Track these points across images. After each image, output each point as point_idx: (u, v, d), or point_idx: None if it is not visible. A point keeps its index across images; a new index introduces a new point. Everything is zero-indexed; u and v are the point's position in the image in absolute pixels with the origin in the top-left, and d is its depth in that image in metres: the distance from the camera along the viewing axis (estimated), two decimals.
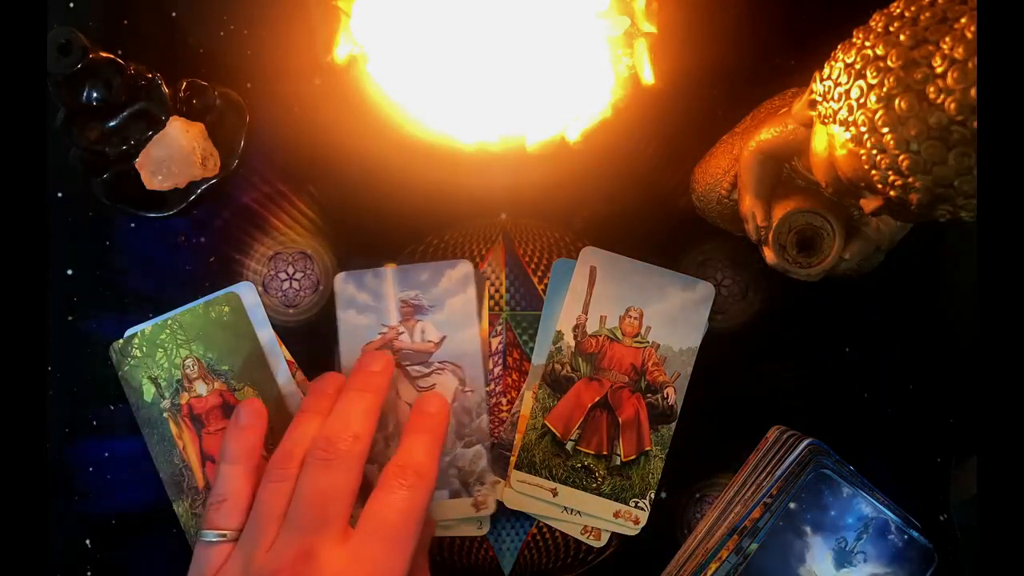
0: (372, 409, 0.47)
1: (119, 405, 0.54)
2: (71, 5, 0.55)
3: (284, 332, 0.55)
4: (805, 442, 0.52)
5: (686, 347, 0.55)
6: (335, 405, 0.47)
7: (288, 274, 0.56)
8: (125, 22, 0.55)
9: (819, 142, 0.40)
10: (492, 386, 0.55)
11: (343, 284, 0.55)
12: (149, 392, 0.46)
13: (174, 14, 0.55)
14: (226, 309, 0.45)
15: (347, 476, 0.44)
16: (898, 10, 0.35)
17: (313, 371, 0.56)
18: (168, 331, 0.45)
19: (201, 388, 0.46)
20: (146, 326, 0.46)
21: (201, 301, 0.46)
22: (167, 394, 0.46)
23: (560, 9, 0.47)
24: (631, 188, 0.56)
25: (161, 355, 0.46)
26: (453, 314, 0.55)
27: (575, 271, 0.55)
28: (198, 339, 0.46)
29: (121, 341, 0.45)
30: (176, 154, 0.52)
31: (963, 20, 0.33)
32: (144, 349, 0.46)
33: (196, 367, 0.46)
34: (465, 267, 0.55)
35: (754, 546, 0.51)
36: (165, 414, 0.46)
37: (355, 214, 0.56)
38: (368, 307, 0.55)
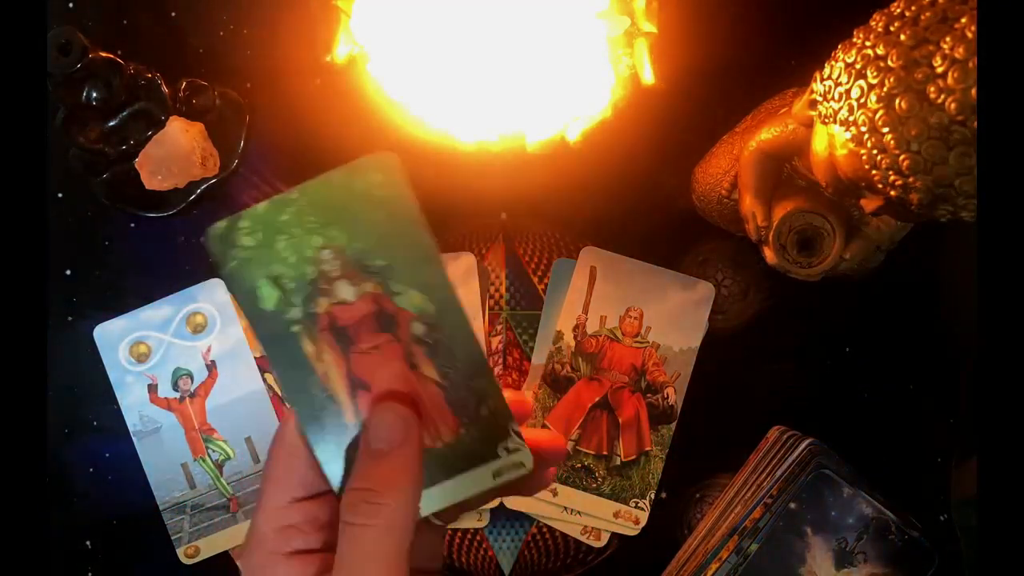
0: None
1: (119, 406, 0.54)
2: (71, 5, 0.55)
3: None
4: (805, 442, 0.52)
5: (686, 347, 0.55)
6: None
7: None
8: (125, 22, 0.55)
9: (819, 142, 0.40)
10: None
11: None
12: (270, 298, 0.32)
13: (174, 14, 0.55)
14: (378, 178, 0.31)
15: None
16: (899, 10, 0.35)
17: None
18: (293, 209, 0.31)
19: (345, 291, 0.32)
20: (259, 204, 0.31)
21: (341, 167, 0.32)
22: (296, 300, 0.31)
23: (560, 9, 0.47)
24: (631, 188, 0.56)
25: (284, 244, 0.31)
26: None
27: (575, 271, 0.55)
28: (338, 222, 0.31)
29: (223, 224, 0.31)
30: (176, 154, 0.52)
31: (963, 20, 0.33)
32: (259, 236, 0.31)
33: (338, 261, 0.32)
34: (468, 260, 0.55)
35: (755, 546, 0.51)
36: (295, 327, 0.31)
37: None
38: None
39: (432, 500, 0.32)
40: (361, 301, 0.32)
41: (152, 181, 0.53)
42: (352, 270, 0.32)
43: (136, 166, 0.53)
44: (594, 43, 0.49)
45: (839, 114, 0.37)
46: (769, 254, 0.48)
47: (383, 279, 0.32)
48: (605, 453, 0.54)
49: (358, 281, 0.32)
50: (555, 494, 0.54)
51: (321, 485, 0.33)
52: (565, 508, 0.54)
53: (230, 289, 0.33)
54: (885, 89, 0.34)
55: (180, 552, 0.55)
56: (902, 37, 0.34)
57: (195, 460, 0.55)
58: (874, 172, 0.36)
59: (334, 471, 0.32)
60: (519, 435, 0.32)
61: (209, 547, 0.55)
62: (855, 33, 0.37)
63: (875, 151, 0.36)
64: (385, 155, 0.30)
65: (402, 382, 0.32)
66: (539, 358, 0.55)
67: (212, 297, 0.55)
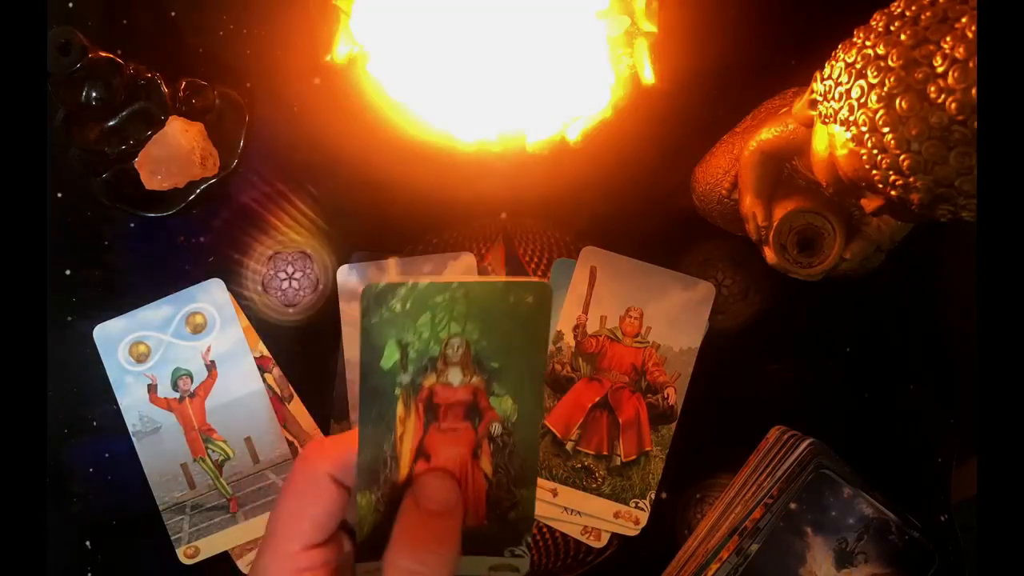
0: None
1: (118, 406, 0.54)
2: (71, 5, 0.55)
3: (284, 332, 0.56)
4: (806, 442, 0.52)
5: (686, 347, 0.55)
6: None
7: (287, 273, 0.56)
8: (125, 22, 0.55)
9: (820, 142, 0.40)
10: None
11: (346, 276, 0.55)
12: (391, 358, 0.35)
13: (174, 14, 0.55)
14: (529, 299, 0.34)
15: None
16: (899, 9, 0.35)
17: (313, 371, 0.56)
18: (448, 296, 0.34)
19: (455, 376, 0.35)
20: (421, 281, 0.34)
21: (503, 279, 0.35)
22: (411, 368, 0.35)
23: (560, 9, 0.47)
24: (631, 188, 0.56)
25: (425, 321, 0.35)
26: None
27: (575, 271, 0.55)
28: (479, 318, 0.34)
29: (381, 285, 0.34)
30: (175, 154, 0.52)
31: (964, 20, 0.33)
32: (408, 305, 0.34)
33: (461, 351, 0.35)
34: (468, 259, 0.55)
35: (755, 547, 0.51)
36: (398, 390, 0.35)
37: (355, 213, 0.56)
38: None
39: None
40: (463, 388, 0.36)
41: (152, 181, 0.53)
42: (469, 361, 0.35)
43: (136, 166, 0.53)
44: (594, 43, 0.49)
45: (839, 114, 0.37)
46: (769, 254, 0.48)
47: (489, 379, 0.36)
48: (605, 453, 0.54)
49: (469, 372, 0.36)
50: (555, 494, 0.54)
51: (332, 528, 0.34)
52: (565, 508, 0.54)
53: (361, 339, 0.35)
54: (885, 89, 0.34)
55: (180, 552, 0.55)
56: (902, 37, 0.34)
57: (195, 460, 0.55)
58: (874, 172, 0.36)
59: (364, 520, 0.35)
60: (528, 547, 0.37)
61: (209, 547, 0.55)
62: (855, 33, 0.37)
63: (875, 151, 0.36)
64: (543, 284, 0.34)
65: (459, 465, 0.36)
66: None
67: (212, 297, 0.55)
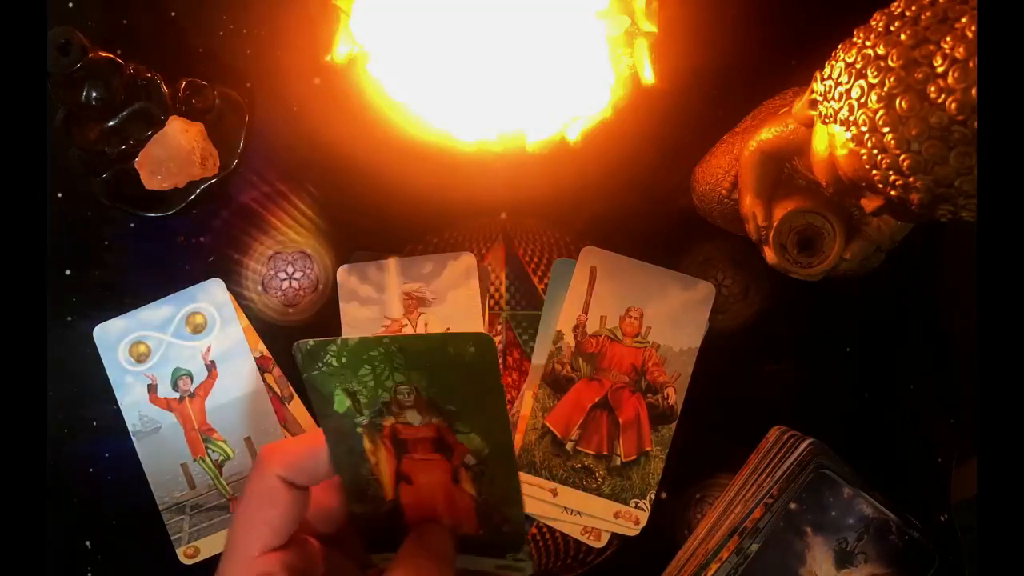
0: None
1: (118, 406, 0.54)
2: (71, 5, 0.55)
3: (284, 332, 0.56)
4: (806, 442, 0.52)
5: (686, 347, 0.55)
6: None
7: (288, 273, 0.56)
8: (125, 22, 0.55)
9: (820, 142, 0.40)
10: None
11: (346, 276, 0.55)
12: (342, 404, 0.35)
13: (174, 14, 0.55)
14: (471, 349, 0.33)
15: None
16: (899, 9, 0.35)
17: None
18: (382, 350, 0.33)
19: (413, 417, 0.35)
20: (351, 337, 0.34)
21: (438, 332, 0.35)
22: (366, 412, 0.35)
23: (560, 9, 0.47)
24: (631, 188, 0.56)
25: (367, 373, 0.34)
26: (456, 307, 0.55)
27: (575, 271, 0.55)
28: (422, 369, 0.34)
29: (311, 343, 0.33)
30: (175, 154, 0.52)
31: (964, 20, 0.33)
32: (344, 360, 0.34)
33: (412, 397, 0.35)
34: (468, 259, 0.55)
35: (755, 546, 0.51)
36: (360, 430, 0.35)
37: (355, 213, 0.56)
38: (371, 299, 0.55)
39: None
40: (425, 427, 0.35)
41: (152, 181, 0.53)
42: (424, 405, 0.35)
43: (136, 166, 0.53)
44: (594, 43, 0.49)
45: (839, 114, 0.37)
46: (769, 254, 0.48)
47: (451, 419, 0.35)
48: (605, 453, 0.54)
49: (427, 414, 0.35)
50: (555, 494, 0.54)
51: (290, 531, 0.34)
52: (565, 508, 0.54)
53: (307, 389, 0.35)
54: (885, 89, 0.34)
55: (180, 552, 0.55)
56: (902, 37, 0.34)
57: (195, 460, 0.55)
58: (874, 172, 0.36)
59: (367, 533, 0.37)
60: (529, 554, 0.37)
61: (209, 547, 0.55)
62: (855, 33, 0.37)
63: (875, 151, 0.36)
64: (483, 335, 0.33)
65: (442, 488, 0.36)
66: (539, 358, 0.55)
67: (212, 297, 0.55)
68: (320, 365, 0.34)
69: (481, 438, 0.35)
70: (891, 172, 0.35)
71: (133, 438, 0.55)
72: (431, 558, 0.35)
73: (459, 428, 0.35)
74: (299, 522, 0.34)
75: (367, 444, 0.35)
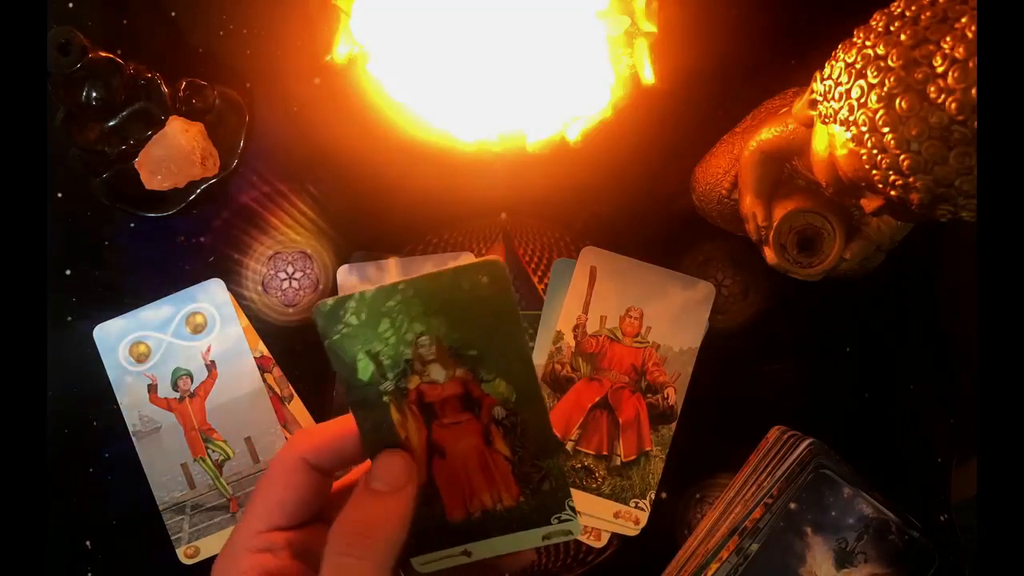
0: None
1: (118, 406, 0.54)
2: (71, 5, 0.55)
3: (284, 332, 0.55)
4: (806, 442, 0.52)
5: (686, 347, 0.55)
6: None
7: (288, 273, 0.56)
8: (125, 22, 0.55)
9: (820, 142, 0.40)
10: None
11: (346, 276, 0.55)
12: (366, 371, 0.35)
13: (174, 14, 0.55)
14: (484, 280, 0.33)
15: None
16: (899, 9, 0.35)
17: (312, 373, 0.56)
18: (399, 298, 0.33)
19: (437, 373, 0.35)
20: (367, 289, 0.34)
21: (450, 267, 0.35)
22: (390, 375, 0.35)
23: (560, 9, 0.47)
24: (631, 188, 0.56)
25: (387, 328, 0.34)
26: None
27: (575, 271, 0.55)
28: (440, 313, 0.34)
29: (329, 302, 0.33)
30: (175, 154, 0.52)
31: (964, 20, 0.33)
32: (363, 316, 0.34)
33: (434, 348, 0.35)
34: (468, 259, 0.55)
35: (755, 546, 0.51)
36: (386, 398, 0.35)
37: (355, 213, 0.56)
38: None
39: (482, 549, 0.36)
40: (450, 383, 0.35)
41: (152, 181, 0.53)
42: (446, 356, 0.35)
43: (136, 166, 0.53)
44: (594, 43, 0.49)
45: (839, 114, 0.37)
46: (769, 254, 0.48)
47: (474, 367, 0.35)
48: (605, 453, 0.54)
49: (450, 366, 0.35)
50: None
51: (303, 515, 0.34)
52: None
53: (330, 358, 0.35)
54: (885, 89, 0.34)
55: (180, 552, 0.55)
56: (902, 37, 0.34)
57: (195, 460, 0.55)
58: (874, 172, 0.36)
59: None
60: (573, 509, 0.36)
61: (209, 547, 0.55)
62: (855, 33, 0.37)
63: (875, 151, 0.36)
64: (494, 261, 0.33)
65: (475, 454, 0.35)
66: (539, 358, 0.55)
67: (212, 297, 0.55)
68: (340, 327, 0.34)
69: (506, 382, 0.35)
70: (891, 172, 0.35)
71: (133, 438, 0.55)
72: (379, 495, 0.33)
73: (483, 376, 0.35)
74: (315, 507, 0.34)
75: (395, 415, 0.35)
